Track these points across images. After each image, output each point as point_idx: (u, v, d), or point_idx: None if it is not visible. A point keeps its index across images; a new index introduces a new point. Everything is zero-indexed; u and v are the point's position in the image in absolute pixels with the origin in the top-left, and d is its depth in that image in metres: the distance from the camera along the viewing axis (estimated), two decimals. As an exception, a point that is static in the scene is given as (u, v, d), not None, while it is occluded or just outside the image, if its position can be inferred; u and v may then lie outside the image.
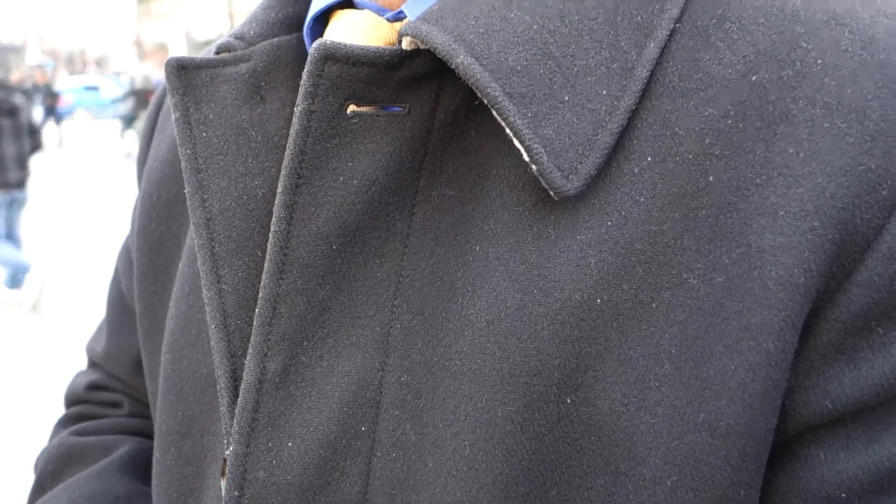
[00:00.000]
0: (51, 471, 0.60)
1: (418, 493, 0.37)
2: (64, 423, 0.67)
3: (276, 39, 0.46)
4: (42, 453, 0.62)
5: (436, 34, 0.35)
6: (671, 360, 0.33)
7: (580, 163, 0.34)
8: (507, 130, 0.34)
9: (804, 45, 0.34)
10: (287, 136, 0.43)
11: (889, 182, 0.32)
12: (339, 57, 0.36)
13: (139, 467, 0.59)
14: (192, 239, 0.46)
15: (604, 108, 0.35)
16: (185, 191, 0.43)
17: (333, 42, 0.36)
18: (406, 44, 0.36)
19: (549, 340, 0.34)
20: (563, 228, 0.35)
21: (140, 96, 13.44)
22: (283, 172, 0.38)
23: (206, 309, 0.42)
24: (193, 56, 0.45)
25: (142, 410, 0.64)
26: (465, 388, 0.36)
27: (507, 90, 0.34)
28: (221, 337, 0.41)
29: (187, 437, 0.46)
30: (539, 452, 0.35)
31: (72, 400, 0.68)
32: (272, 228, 0.38)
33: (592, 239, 0.35)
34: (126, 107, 13.38)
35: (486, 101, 0.34)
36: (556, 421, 0.35)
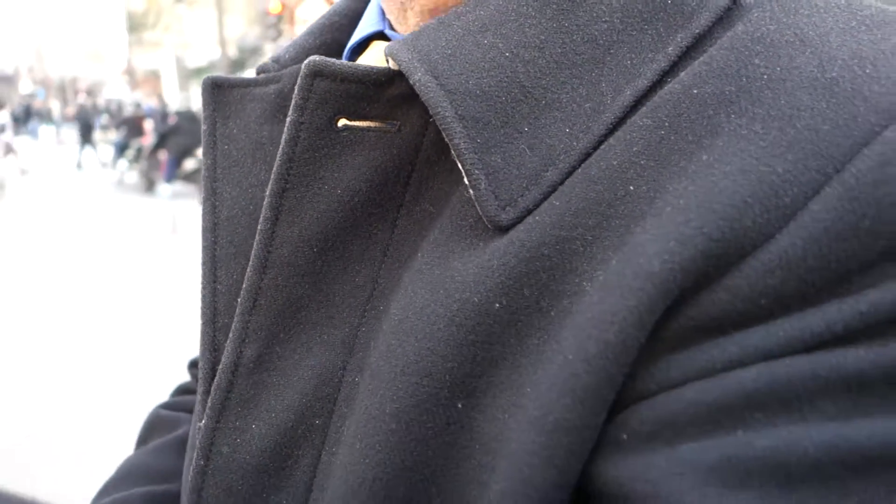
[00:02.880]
0: (142, 437, 0.65)
1: (330, 488, 0.38)
2: (174, 393, 0.73)
3: None
4: (149, 415, 0.68)
5: (403, 53, 0.37)
6: (542, 364, 0.32)
7: (521, 196, 0.34)
8: (453, 152, 0.35)
9: (756, 62, 0.32)
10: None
11: (794, 190, 0.28)
12: (326, 73, 0.38)
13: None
14: None
15: (561, 145, 0.35)
16: (201, 197, 0.47)
17: (322, 59, 0.38)
18: (393, 63, 0.38)
19: (444, 342, 0.34)
20: (489, 239, 0.35)
21: (132, 124, 13.46)
22: (272, 178, 0.40)
23: (200, 305, 0.45)
24: (229, 76, 0.49)
25: None
26: (372, 385, 0.36)
27: (459, 112, 0.35)
28: (208, 332, 0.44)
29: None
30: (423, 455, 0.34)
31: (189, 372, 0.74)
32: (259, 227, 0.41)
33: (501, 242, 0.34)
34: (118, 135, 13.39)
35: (436, 121, 0.35)
36: (446, 425, 0.34)
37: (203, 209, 0.46)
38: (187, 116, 11.59)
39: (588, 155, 0.34)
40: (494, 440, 0.32)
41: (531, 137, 0.35)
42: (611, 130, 0.35)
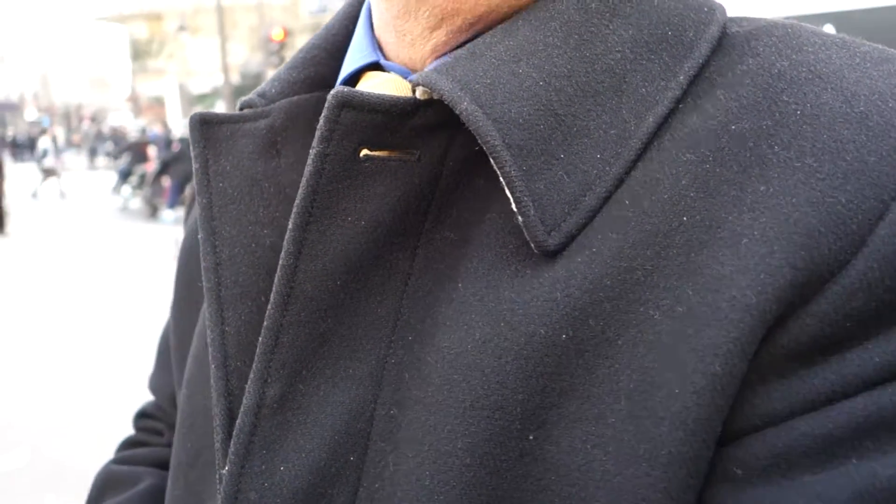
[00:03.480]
0: (93, 496, 0.64)
1: None
2: (120, 447, 0.71)
3: (294, 98, 0.49)
4: (98, 473, 0.67)
5: (443, 82, 0.36)
6: (627, 396, 0.33)
7: (564, 220, 0.35)
8: (501, 179, 0.35)
9: (786, 98, 0.35)
10: (297, 188, 0.46)
11: (860, 217, 0.31)
12: (354, 104, 0.38)
13: (156, 502, 0.62)
14: None
15: (595, 171, 0.36)
16: (199, 237, 0.46)
17: (350, 90, 0.38)
18: (420, 93, 0.38)
19: (512, 375, 0.34)
20: (539, 268, 0.36)
21: (135, 151, 13.56)
22: (294, 210, 0.39)
23: (209, 349, 0.44)
24: (217, 112, 0.49)
25: None
26: (432, 420, 0.36)
27: (506, 140, 0.35)
28: (220, 376, 0.43)
29: (193, 469, 0.48)
30: (499, 489, 0.34)
31: (134, 425, 0.73)
32: (280, 262, 0.40)
33: (562, 274, 0.35)
34: (122, 161, 13.48)
35: (485, 149, 0.35)
36: (519, 457, 0.34)
37: (203, 249, 0.46)
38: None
39: (621, 180, 0.36)
40: (578, 471, 0.33)
41: (567, 164, 0.36)
42: (639, 156, 0.37)
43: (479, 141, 0.35)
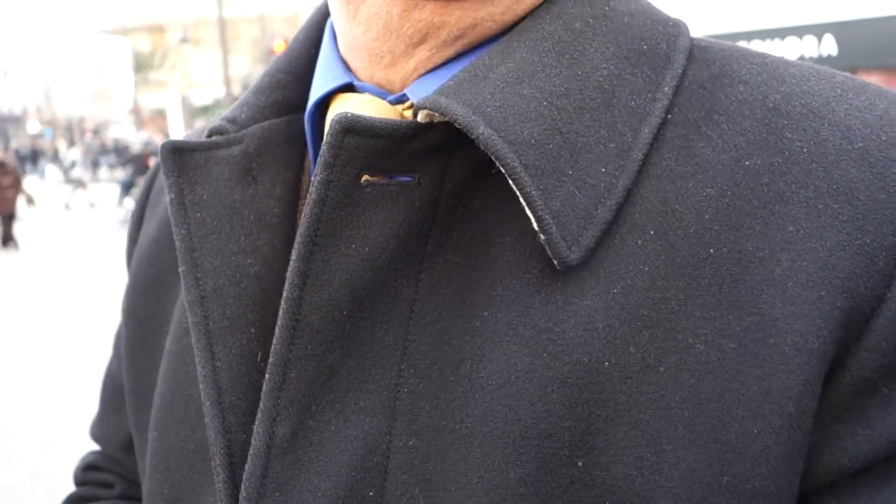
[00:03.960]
0: None
1: None
2: (69, 502, 0.68)
3: (266, 123, 0.49)
4: None
5: (455, 107, 0.36)
6: (685, 424, 0.34)
7: (581, 235, 0.36)
8: (522, 200, 0.36)
9: (789, 135, 0.38)
10: (278, 214, 0.46)
11: (884, 254, 0.35)
12: (358, 129, 0.37)
13: None
14: (180, 316, 0.49)
15: (603, 184, 0.37)
16: (180, 269, 0.45)
17: (354, 114, 0.37)
18: (422, 117, 0.38)
19: (559, 403, 0.35)
20: (571, 294, 0.36)
21: (138, 163, 13.60)
22: (297, 240, 0.39)
23: (201, 386, 0.42)
24: (188, 139, 0.47)
25: (133, 491, 0.66)
26: (477, 451, 0.36)
27: (523, 161, 0.36)
28: (216, 414, 0.42)
29: None
30: None
31: (76, 480, 0.70)
32: (284, 295, 0.39)
33: (600, 305, 0.36)
34: (125, 173, 13.52)
35: (504, 171, 0.36)
36: (569, 484, 0.35)
37: (185, 283, 0.44)
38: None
39: (629, 191, 0.37)
40: (637, 497, 0.34)
41: (576, 180, 0.37)
42: (641, 167, 0.38)
43: (499, 164, 0.36)
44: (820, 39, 7.62)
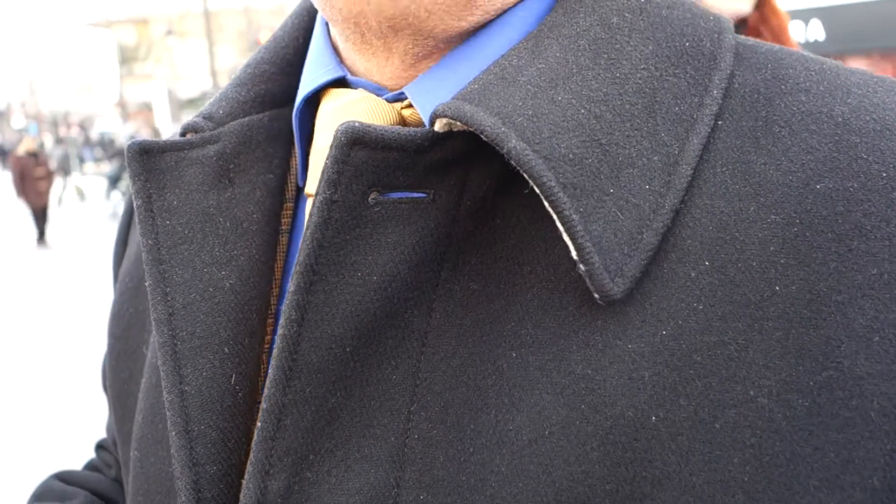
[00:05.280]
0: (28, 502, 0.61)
1: None
2: (87, 465, 0.69)
3: (246, 119, 0.44)
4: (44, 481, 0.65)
5: (482, 116, 0.32)
6: (745, 491, 0.30)
7: (625, 264, 0.32)
8: (559, 225, 0.31)
9: (864, 156, 0.33)
10: (257, 221, 0.42)
11: None
12: (367, 141, 0.33)
13: None
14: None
15: (647, 204, 0.33)
16: (146, 284, 0.40)
17: (362, 124, 0.33)
18: (440, 126, 0.34)
19: (599, 463, 0.31)
20: (612, 335, 0.32)
21: (124, 156, 13.52)
22: (296, 269, 0.34)
23: (167, 413, 0.39)
24: (157, 139, 0.43)
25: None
26: None
27: (560, 180, 0.31)
28: (183, 445, 0.38)
29: None
30: None
31: (95, 452, 0.71)
32: (280, 332, 0.34)
33: (646, 349, 0.32)
34: (111, 167, 13.46)
35: (539, 192, 0.31)
36: None
37: (152, 298, 0.40)
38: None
39: (677, 211, 0.33)
40: None
41: (618, 199, 0.32)
42: (690, 183, 0.34)
43: (532, 183, 0.31)
44: (807, 24, 7.63)
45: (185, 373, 0.39)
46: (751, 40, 0.39)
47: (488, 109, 0.32)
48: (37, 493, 0.61)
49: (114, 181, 13.40)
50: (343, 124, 0.33)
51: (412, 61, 0.38)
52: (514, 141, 0.31)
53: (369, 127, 0.33)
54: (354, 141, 0.33)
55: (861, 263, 0.31)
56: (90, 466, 0.69)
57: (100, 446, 0.69)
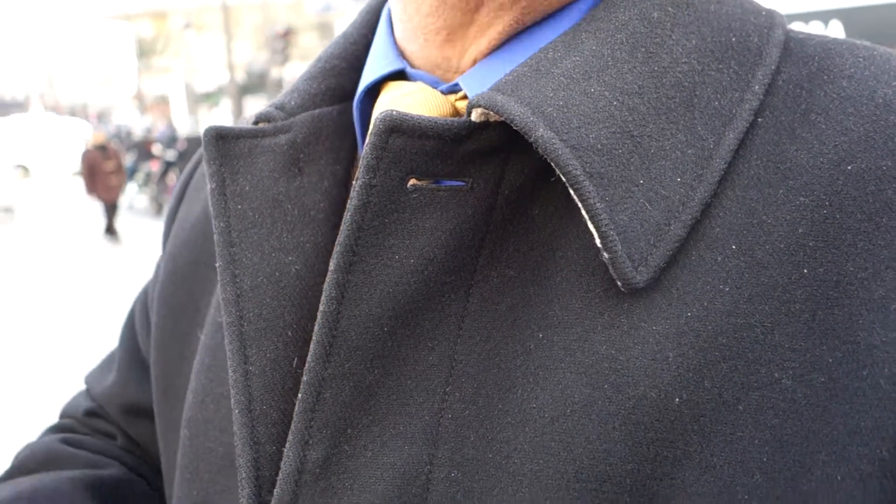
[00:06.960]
0: (29, 468, 0.58)
1: None
2: (54, 430, 0.65)
3: (316, 111, 0.46)
4: (24, 449, 0.61)
5: (513, 106, 0.33)
6: (763, 470, 0.30)
7: (650, 253, 0.32)
8: (584, 213, 0.32)
9: None
10: (324, 210, 0.43)
11: None
12: (404, 129, 0.34)
13: (116, 496, 0.57)
14: (216, 311, 0.46)
15: (677, 196, 0.33)
16: (217, 265, 0.42)
17: (400, 113, 0.34)
18: (476, 115, 0.35)
19: (620, 442, 0.31)
20: (637, 317, 0.33)
21: (141, 149, 13.60)
22: (336, 249, 0.36)
23: (231, 391, 0.40)
24: (233, 126, 0.44)
25: (134, 448, 0.63)
26: (525, 492, 0.33)
27: (587, 169, 0.32)
28: (245, 423, 0.38)
29: None
30: None
31: (67, 416, 0.67)
32: (321, 308, 0.36)
33: (671, 330, 0.32)
34: (127, 159, 13.54)
35: (565, 180, 0.32)
36: None
37: (221, 279, 0.41)
38: (197, 141, 11.71)
39: (707, 204, 0.33)
40: None
41: (647, 190, 0.33)
42: (723, 177, 0.34)
43: (559, 172, 0.32)
44: (826, 25, 7.57)
45: (249, 353, 0.40)
46: (804, 33, 0.39)
47: (520, 100, 0.33)
48: (48, 459, 0.58)
49: (130, 174, 13.47)
50: (382, 112, 0.34)
51: (485, 41, 0.39)
52: (541, 129, 0.32)
53: (406, 115, 0.34)
54: (392, 129, 0.34)
55: (889, 238, 0.31)
56: (65, 429, 0.65)
57: (91, 413, 0.65)
